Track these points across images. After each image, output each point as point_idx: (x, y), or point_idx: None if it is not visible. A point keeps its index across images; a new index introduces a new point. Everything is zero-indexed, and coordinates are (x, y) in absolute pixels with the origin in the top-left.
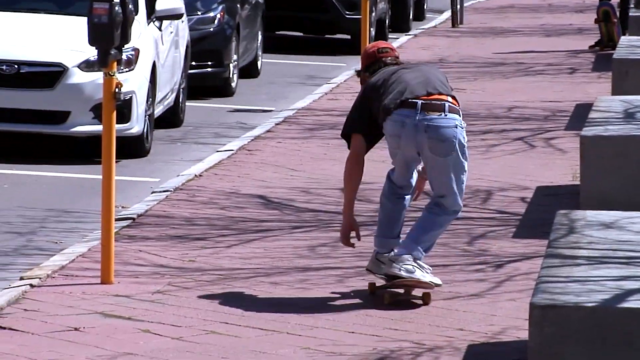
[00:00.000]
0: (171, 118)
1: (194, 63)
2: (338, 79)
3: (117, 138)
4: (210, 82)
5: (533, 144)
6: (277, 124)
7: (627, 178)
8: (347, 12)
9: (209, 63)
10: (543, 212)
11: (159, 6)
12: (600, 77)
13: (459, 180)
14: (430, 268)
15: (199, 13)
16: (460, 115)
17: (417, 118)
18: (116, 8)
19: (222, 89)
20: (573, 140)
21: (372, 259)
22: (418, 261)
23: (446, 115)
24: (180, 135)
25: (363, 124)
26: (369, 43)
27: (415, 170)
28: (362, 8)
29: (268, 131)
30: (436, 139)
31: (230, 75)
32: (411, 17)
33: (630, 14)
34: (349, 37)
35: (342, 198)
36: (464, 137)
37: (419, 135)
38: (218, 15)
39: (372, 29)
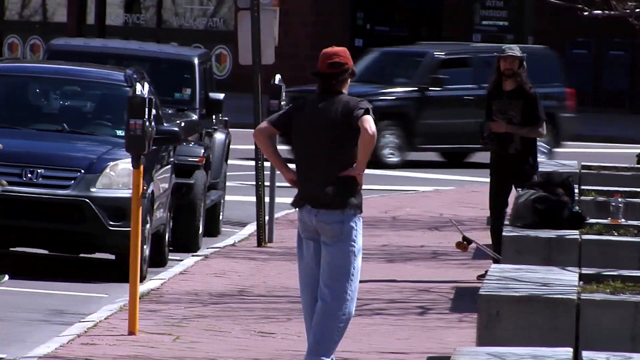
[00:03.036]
0: None
1: None
2: (96, 316)
3: None
4: None
5: None
6: None
7: None
8: (112, 222)
9: None
10: None
11: None
12: (462, 320)
13: None
14: None
15: None
16: None
17: None
18: None
19: None
20: None
21: None
22: None
23: None
24: None
25: None
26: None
27: None
28: (132, 217)
29: None
30: None
31: None
32: (201, 230)
33: (504, 233)
34: (112, 256)
35: None
36: None
37: None
38: None
39: (145, 246)
